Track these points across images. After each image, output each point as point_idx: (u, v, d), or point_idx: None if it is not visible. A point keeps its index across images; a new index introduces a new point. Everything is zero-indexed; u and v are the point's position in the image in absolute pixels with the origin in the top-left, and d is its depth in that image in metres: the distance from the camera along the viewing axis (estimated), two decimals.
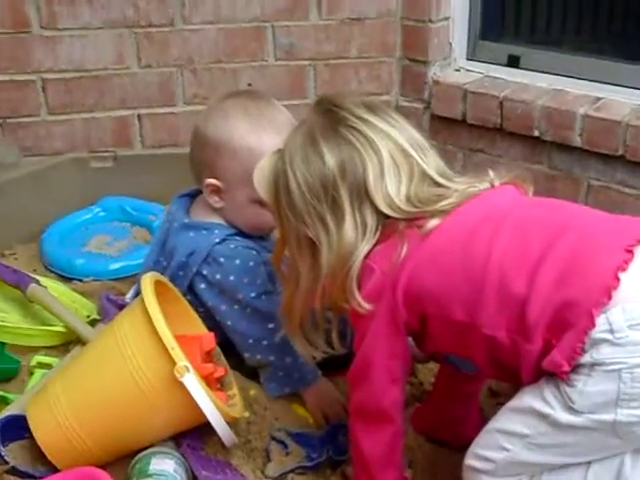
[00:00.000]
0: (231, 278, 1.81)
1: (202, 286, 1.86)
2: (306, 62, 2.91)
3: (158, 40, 2.81)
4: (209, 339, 1.72)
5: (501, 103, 2.72)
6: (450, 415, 1.75)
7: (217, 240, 1.84)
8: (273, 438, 1.72)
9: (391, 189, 1.45)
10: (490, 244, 1.38)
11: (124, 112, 2.88)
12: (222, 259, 1.82)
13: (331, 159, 1.46)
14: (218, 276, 1.83)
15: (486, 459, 1.41)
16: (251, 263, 1.83)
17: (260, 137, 1.79)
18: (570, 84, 2.73)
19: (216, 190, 1.86)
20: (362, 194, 1.45)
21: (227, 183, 1.84)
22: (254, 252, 1.85)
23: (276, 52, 2.88)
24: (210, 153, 1.84)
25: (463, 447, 1.48)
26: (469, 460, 1.44)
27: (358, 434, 1.54)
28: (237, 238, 1.87)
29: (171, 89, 2.86)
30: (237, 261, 1.82)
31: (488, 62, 2.90)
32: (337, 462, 1.70)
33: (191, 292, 1.88)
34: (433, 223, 1.43)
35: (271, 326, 1.79)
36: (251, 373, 1.89)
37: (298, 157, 1.49)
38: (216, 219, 1.90)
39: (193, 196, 1.97)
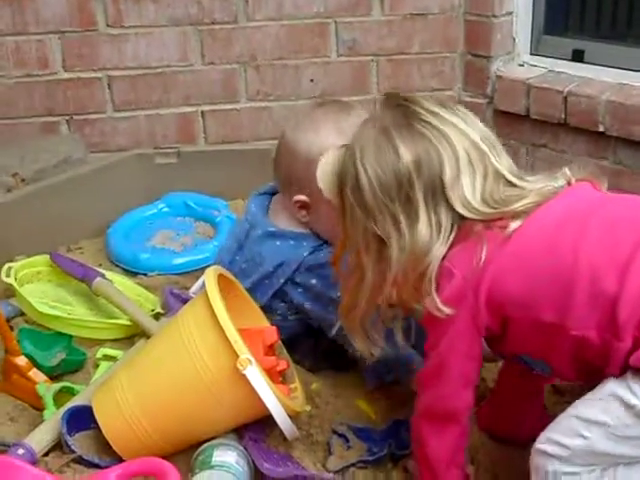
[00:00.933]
0: (326, 281, 1.80)
1: (298, 291, 1.85)
2: (368, 58, 2.91)
3: (221, 37, 2.83)
4: (271, 332, 1.73)
5: (565, 98, 2.69)
6: (514, 413, 1.73)
7: (306, 253, 1.83)
8: (335, 432, 1.73)
9: (467, 189, 1.40)
10: (577, 244, 1.35)
11: (188, 109, 2.91)
12: (314, 268, 1.82)
13: (406, 153, 1.40)
14: (313, 281, 1.82)
15: (561, 445, 1.37)
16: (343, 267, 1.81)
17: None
18: (635, 78, 2.69)
19: (304, 206, 1.83)
20: (437, 192, 1.39)
21: (316, 198, 1.77)
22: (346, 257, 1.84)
23: (339, 48, 2.89)
24: (300, 168, 1.79)
25: (526, 445, 1.46)
26: (542, 445, 1.40)
27: (424, 434, 1.52)
28: (325, 247, 1.85)
29: (234, 86, 2.88)
30: (329, 269, 1.77)
31: (552, 57, 2.88)
32: (398, 457, 1.70)
33: (279, 299, 1.87)
34: (514, 225, 1.38)
35: None
36: (312, 367, 1.90)
37: (370, 151, 1.43)
38: (301, 228, 1.87)
39: (271, 194, 1.95)
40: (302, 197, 1.82)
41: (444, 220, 1.40)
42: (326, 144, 1.72)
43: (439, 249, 1.40)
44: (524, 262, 1.38)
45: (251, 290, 1.85)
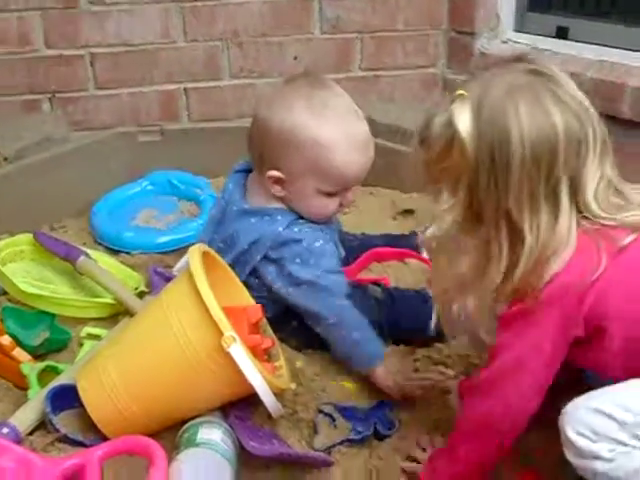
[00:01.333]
0: (297, 260, 1.80)
1: (270, 269, 1.84)
2: (352, 35, 2.90)
3: (204, 14, 2.82)
4: (256, 310, 1.73)
5: None
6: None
7: (281, 228, 1.83)
8: (320, 411, 1.73)
9: (590, 184, 1.31)
10: None
11: (171, 86, 2.90)
12: (289, 243, 1.81)
13: (559, 119, 1.28)
14: (286, 255, 1.82)
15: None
16: (317, 243, 1.82)
17: (323, 130, 1.77)
18: (620, 56, 2.69)
19: (278, 181, 1.83)
20: (577, 180, 1.30)
21: (290, 174, 1.81)
22: (320, 232, 1.84)
23: (322, 25, 2.88)
24: (272, 144, 1.80)
25: None
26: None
27: (469, 451, 1.47)
28: (301, 221, 1.85)
29: (217, 63, 2.87)
30: (304, 243, 1.81)
31: (536, 34, 2.88)
32: (383, 436, 1.70)
33: (253, 276, 1.87)
34: (629, 238, 1.31)
35: (338, 303, 1.78)
36: (298, 345, 1.90)
37: (524, 103, 1.29)
38: (276, 204, 1.87)
39: (248, 171, 1.95)
40: (276, 173, 1.82)
41: (574, 217, 1.32)
42: (298, 121, 1.76)
43: (566, 251, 1.31)
44: (637, 277, 1.33)
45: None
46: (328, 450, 1.66)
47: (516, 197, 1.30)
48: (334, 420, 1.71)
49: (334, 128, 1.77)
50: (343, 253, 1.99)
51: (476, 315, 1.41)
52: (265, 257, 1.84)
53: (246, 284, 1.85)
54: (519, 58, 1.40)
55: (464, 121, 1.31)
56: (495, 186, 1.30)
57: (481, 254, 1.36)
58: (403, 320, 1.92)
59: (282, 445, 1.61)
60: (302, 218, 1.86)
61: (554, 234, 1.30)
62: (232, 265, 1.85)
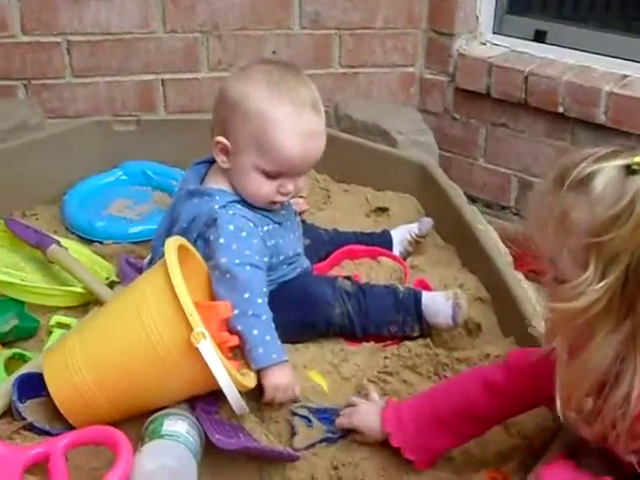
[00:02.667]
0: (220, 241, 1.79)
1: (202, 247, 1.83)
2: (332, 31, 2.91)
3: (184, 5, 2.82)
4: (226, 307, 1.72)
5: (526, 78, 2.72)
6: None
7: (217, 206, 1.82)
8: (295, 414, 1.73)
9: None
10: None
11: (148, 77, 2.90)
12: (218, 222, 1.80)
13: None
14: (212, 237, 1.81)
15: None
16: (244, 233, 1.80)
17: (274, 105, 1.77)
18: (596, 61, 2.72)
19: (224, 149, 1.84)
20: None
21: (235, 144, 1.81)
22: (251, 224, 1.83)
23: (302, 20, 2.88)
24: (225, 110, 1.82)
25: None
26: None
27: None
28: (238, 206, 1.84)
29: (196, 55, 2.87)
30: (231, 226, 1.80)
31: (514, 36, 2.91)
32: None
33: None
34: None
35: (247, 296, 1.75)
36: None
37: None
38: (224, 186, 1.88)
39: (211, 163, 1.95)
40: (223, 139, 1.82)
41: None
42: (253, 92, 1.78)
43: None
44: None
45: None
46: (308, 449, 1.66)
47: None
48: (310, 421, 1.71)
49: (285, 108, 1.77)
50: (304, 243, 2.04)
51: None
52: (199, 235, 1.84)
53: None
54: None
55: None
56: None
57: (623, 351, 1.19)
58: (372, 312, 1.92)
59: (248, 439, 1.61)
60: (242, 203, 1.86)
61: None
62: None
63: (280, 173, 1.82)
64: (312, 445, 1.67)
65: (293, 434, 1.69)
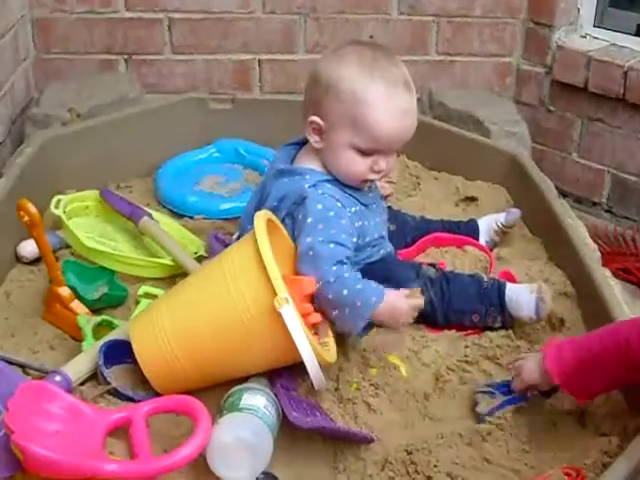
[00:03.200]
0: (308, 220, 1.80)
1: (290, 225, 1.85)
2: (429, 18, 2.89)
3: None
4: (309, 283, 1.73)
5: (625, 73, 2.66)
6: None
7: (307, 185, 1.84)
8: (478, 391, 1.75)
9: None
10: None
11: (245, 56, 2.92)
12: (307, 201, 1.81)
13: None
14: (300, 216, 1.82)
15: None
16: (332, 213, 1.80)
17: (367, 85, 1.78)
18: None
19: (317, 129, 1.85)
20: None
21: (329, 124, 1.83)
22: (339, 204, 1.84)
23: (400, 6, 2.87)
24: (318, 91, 1.84)
25: None
26: None
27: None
28: (328, 186, 1.85)
29: (293, 36, 2.88)
30: (319, 206, 1.81)
31: (615, 30, 2.84)
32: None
33: None
34: None
35: (326, 268, 1.75)
36: None
37: None
38: (315, 165, 1.89)
39: (301, 144, 1.97)
40: (316, 118, 1.84)
41: None
42: (345, 73, 1.80)
43: None
44: None
45: None
46: (490, 414, 1.68)
47: None
48: (493, 393, 1.72)
49: (378, 87, 1.78)
50: (387, 228, 2.04)
51: None
52: (288, 213, 1.85)
53: None
54: None
55: None
56: None
57: None
58: (455, 301, 1.92)
59: (325, 418, 1.63)
60: (333, 182, 1.87)
61: None
62: None
63: (374, 150, 1.83)
64: (494, 410, 1.69)
65: (476, 404, 1.71)
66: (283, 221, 1.85)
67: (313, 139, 1.87)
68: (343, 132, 1.81)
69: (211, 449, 1.48)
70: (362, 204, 1.91)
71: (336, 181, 1.87)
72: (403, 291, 1.77)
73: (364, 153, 1.83)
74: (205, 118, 2.75)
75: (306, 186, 1.83)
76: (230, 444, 1.49)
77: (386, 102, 1.78)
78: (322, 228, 1.78)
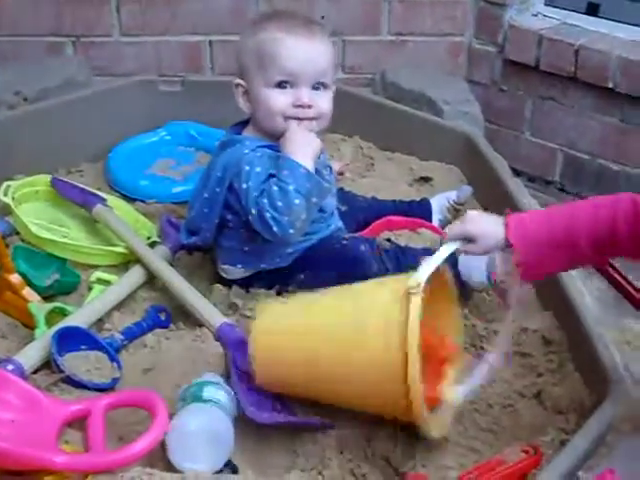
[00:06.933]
0: (243, 186, 1.82)
1: (234, 196, 1.86)
2: None
3: None
4: (450, 346, 1.66)
5: (577, 51, 2.67)
6: None
7: (246, 151, 1.86)
8: None
9: None
10: None
11: (196, 37, 2.89)
12: (247, 167, 1.83)
13: None
14: (242, 184, 1.83)
15: None
16: (272, 171, 1.83)
17: (268, 27, 1.90)
18: None
19: (243, 91, 1.93)
20: None
21: (248, 79, 1.91)
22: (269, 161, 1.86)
23: None
24: (239, 57, 1.94)
25: None
26: None
27: None
28: (268, 151, 1.88)
29: (244, 16, 2.85)
30: (257, 169, 1.83)
31: (566, 9, 2.85)
32: None
33: (229, 209, 1.90)
34: None
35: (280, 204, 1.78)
36: None
37: None
38: (255, 134, 1.94)
39: (246, 123, 1.99)
40: (239, 80, 1.93)
41: None
42: (251, 31, 1.92)
43: None
44: None
45: (208, 207, 1.92)
46: None
47: None
48: None
49: (278, 25, 1.90)
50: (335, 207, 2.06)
51: None
52: (231, 183, 1.87)
53: (224, 222, 1.91)
54: None
55: None
56: None
57: None
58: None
59: (282, 410, 1.61)
60: (273, 148, 1.89)
61: None
62: (211, 198, 1.90)
63: (288, 77, 1.88)
64: None
65: None
66: (229, 191, 1.86)
67: (242, 104, 1.94)
68: (256, 76, 1.89)
69: (173, 437, 1.46)
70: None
71: (277, 146, 1.89)
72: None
73: (280, 86, 1.88)
74: (155, 101, 2.72)
75: (245, 152, 1.86)
76: (195, 433, 1.47)
77: (283, 29, 1.88)
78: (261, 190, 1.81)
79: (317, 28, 1.94)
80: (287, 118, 1.89)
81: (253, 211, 1.80)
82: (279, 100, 1.88)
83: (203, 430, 1.48)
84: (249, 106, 1.93)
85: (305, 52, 1.88)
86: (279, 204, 1.77)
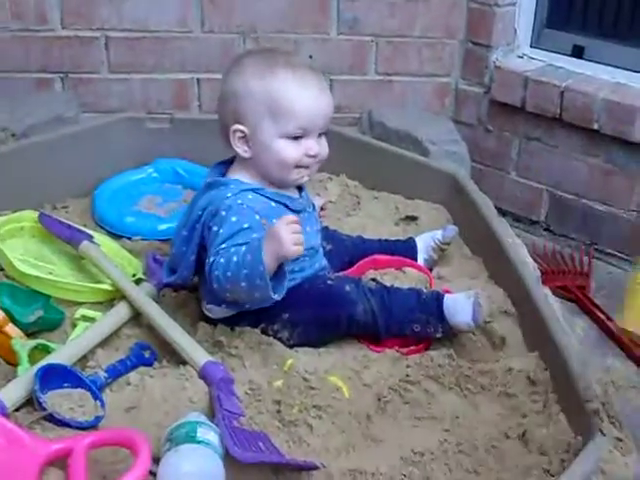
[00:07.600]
0: (220, 231, 1.81)
1: (206, 237, 1.86)
2: (368, 38, 2.90)
3: (223, 5, 2.83)
4: None
5: (562, 93, 2.70)
6: None
7: (229, 194, 1.85)
8: None
9: None
10: None
11: (184, 75, 2.91)
12: (223, 212, 1.83)
13: None
14: (215, 228, 1.83)
15: None
16: (246, 225, 1.81)
17: (273, 73, 1.85)
18: (634, 78, 2.71)
19: (243, 137, 1.89)
20: None
21: (251, 126, 1.87)
22: (257, 217, 1.84)
23: (339, 26, 2.88)
24: (230, 103, 1.89)
25: None
26: None
27: None
28: (250, 196, 1.86)
29: (232, 55, 2.85)
30: (233, 218, 1.81)
31: (552, 51, 2.89)
32: None
33: (206, 250, 1.88)
34: None
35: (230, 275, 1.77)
36: (290, 338, 1.90)
37: None
38: (242, 176, 1.92)
39: (231, 162, 1.98)
40: (238, 125, 1.88)
41: None
42: (248, 72, 1.87)
43: None
44: None
45: (186, 245, 1.91)
46: None
47: None
48: None
49: (285, 71, 1.86)
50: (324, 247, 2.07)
51: None
52: (205, 223, 1.87)
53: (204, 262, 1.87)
54: None
55: None
56: None
57: None
58: (396, 311, 1.92)
59: (267, 452, 1.58)
60: (259, 191, 1.88)
61: None
62: (188, 240, 1.91)
63: (302, 132, 1.86)
64: None
65: None
66: (209, 229, 1.85)
67: (241, 149, 1.90)
68: (267, 126, 1.85)
69: (166, 478, 1.45)
70: (292, 210, 1.91)
71: (262, 190, 1.89)
72: (284, 218, 1.77)
73: (293, 137, 1.86)
74: (143, 138, 2.72)
75: (228, 195, 1.85)
76: (192, 474, 1.46)
77: (297, 82, 1.85)
78: (232, 239, 1.80)
79: (321, 76, 1.93)
80: (297, 167, 1.90)
81: (211, 258, 1.80)
82: (295, 152, 1.87)
83: (197, 472, 1.46)
84: (248, 151, 1.90)
85: (318, 108, 1.87)
86: (228, 274, 1.77)
